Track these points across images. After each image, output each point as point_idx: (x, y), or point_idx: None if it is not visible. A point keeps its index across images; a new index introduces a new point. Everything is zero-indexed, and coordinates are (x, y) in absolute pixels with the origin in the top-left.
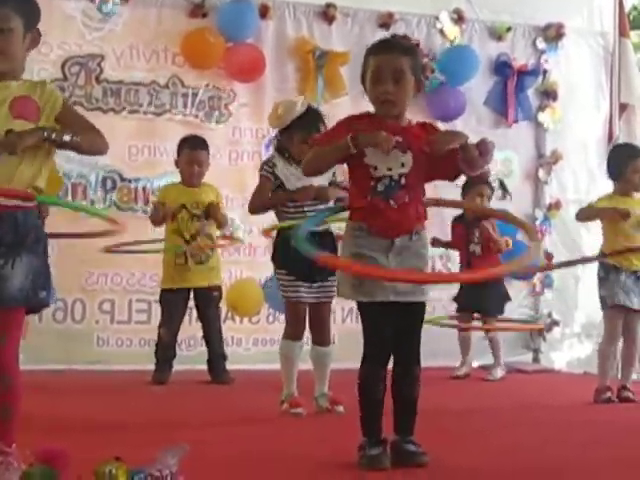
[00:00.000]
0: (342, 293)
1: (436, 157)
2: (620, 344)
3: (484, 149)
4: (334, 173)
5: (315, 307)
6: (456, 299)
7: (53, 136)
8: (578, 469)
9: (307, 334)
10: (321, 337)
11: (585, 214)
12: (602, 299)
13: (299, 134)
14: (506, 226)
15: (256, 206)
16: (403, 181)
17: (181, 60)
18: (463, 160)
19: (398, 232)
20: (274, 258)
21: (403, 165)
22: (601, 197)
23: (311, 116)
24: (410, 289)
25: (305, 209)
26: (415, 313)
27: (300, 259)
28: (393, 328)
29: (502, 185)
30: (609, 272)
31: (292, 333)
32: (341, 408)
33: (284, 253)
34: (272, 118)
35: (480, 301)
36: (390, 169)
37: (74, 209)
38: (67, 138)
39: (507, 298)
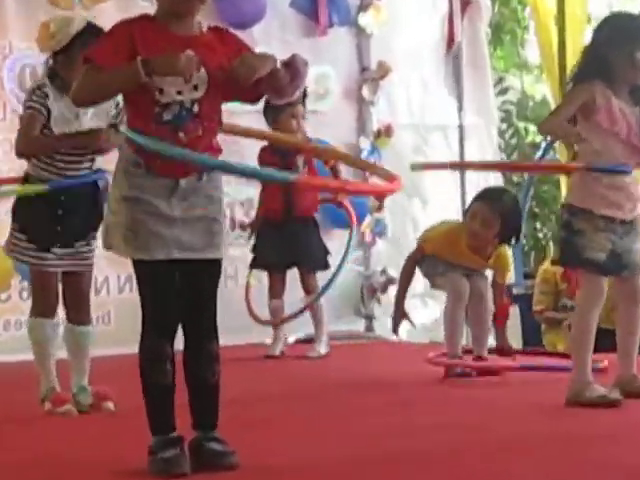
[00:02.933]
0: (111, 245)
1: (235, 81)
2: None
3: (295, 72)
4: (118, 112)
5: (68, 277)
6: (256, 253)
7: None
8: (427, 459)
9: None
10: (77, 313)
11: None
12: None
13: (81, 55)
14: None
15: (26, 148)
16: (196, 108)
17: None
18: (269, 86)
19: (186, 171)
20: (15, 215)
21: (196, 88)
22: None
23: (93, 33)
24: (201, 244)
25: (70, 164)
26: (208, 275)
27: (45, 222)
28: (181, 294)
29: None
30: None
31: (40, 308)
32: (110, 405)
33: (25, 212)
34: (43, 39)
35: (295, 253)
36: (180, 93)
37: None
38: None
39: (326, 251)
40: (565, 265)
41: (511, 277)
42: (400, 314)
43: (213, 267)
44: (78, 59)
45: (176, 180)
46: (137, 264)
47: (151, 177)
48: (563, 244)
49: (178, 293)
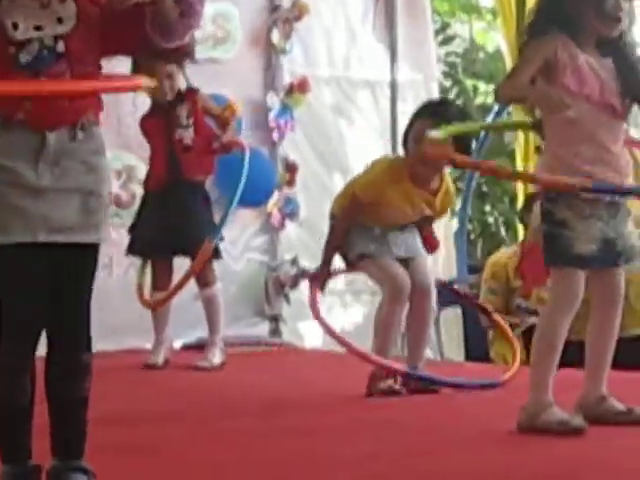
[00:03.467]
0: None
1: (112, 15)
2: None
3: (188, 5)
4: None
5: None
6: (133, 235)
7: None
8: None
9: None
10: None
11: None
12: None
13: None
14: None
15: None
16: (61, 47)
17: None
18: (155, 22)
19: (53, 122)
20: None
21: (61, 21)
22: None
23: None
24: (73, 221)
25: None
26: (82, 263)
27: None
28: (46, 288)
29: None
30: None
31: None
32: None
33: None
34: None
35: (177, 237)
36: (39, 28)
37: None
38: None
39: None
40: (553, 266)
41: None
42: (326, 272)
43: (88, 254)
44: None
45: (43, 135)
46: None
47: (11, 135)
48: (547, 240)
49: (43, 286)
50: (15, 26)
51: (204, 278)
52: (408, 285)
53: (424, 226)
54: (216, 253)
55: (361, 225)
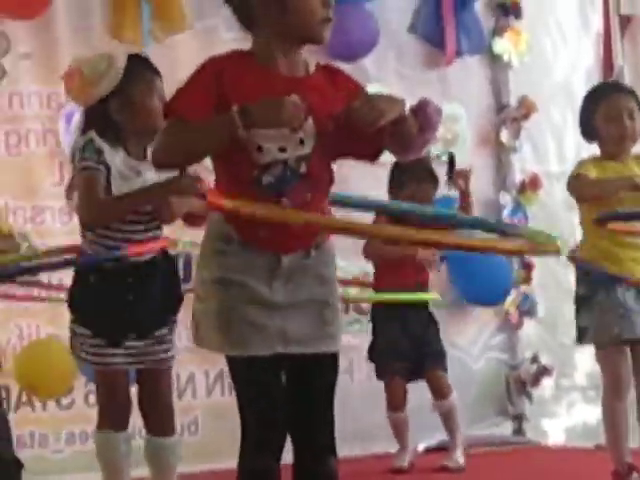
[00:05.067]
0: (202, 339)
1: (350, 128)
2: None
3: (426, 120)
4: None
5: (144, 376)
6: (370, 352)
7: None
8: None
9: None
10: (156, 422)
11: (582, 190)
12: (582, 331)
13: (140, 91)
14: None
15: (95, 217)
16: (303, 168)
17: None
18: (395, 137)
19: (290, 247)
20: (73, 307)
21: (302, 143)
22: (583, 162)
23: (140, 65)
24: (310, 335)
25: (140, 226)
26: (322, 372)
27: (110, 311)
28: (288, 398)
29: (451, 161)
30: (597, 288)
31: (109, 419)
32: None
33: (86, 301)
34: (78, 88)
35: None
36: (283, 150)
37: None
38: None
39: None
40: None
41: None
42: None
43: (328, 363)
44: (137, 98)
45: (278, 257)
46: (232, 362)
47: (247, 254)
48: None
49: (285, 397)
50: (260, 149)
51: (440, 389)
52: (626, 372)
53: None
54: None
55: None
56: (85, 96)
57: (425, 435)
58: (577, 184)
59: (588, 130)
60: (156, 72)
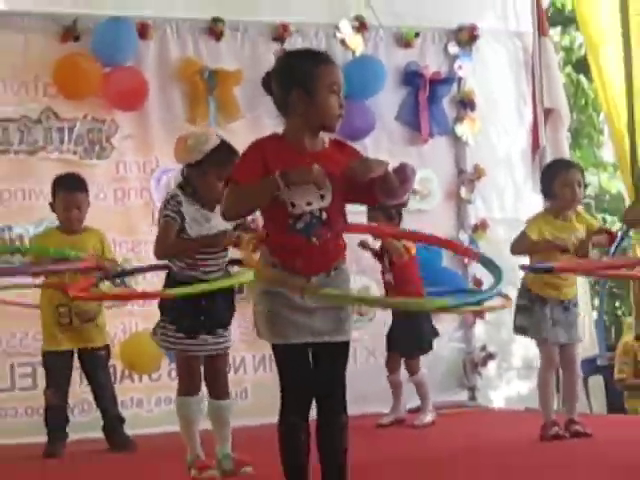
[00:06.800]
0: (260, 334)
1: (353, 183)
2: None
3: (404, 177)
4: None
5: (208, 358)
6: (388, 338)
7: None
8: None
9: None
10: (217, 390)
11: (520, 248)
12: (521, 329)
13: (214, 170)
14: (428, 251)
15: (164, 253)
16: (324, 216)
17: (54, 90)
18: (382, 190)
19: (317, 270)
20: (163, 310)
21: (323, 198)
22: (530, 221)
23: (225, 150)
24: (330, 328)
25: (208, 260)
26: (337, 354)
27: (189, 314)
28: (314, 373)
29: None
30: (534, 302)
31: (186, 388)
32: (249, 469)
33: (173, 306)
34: (180, 151)
35: (401, 341)
36: (310, 203)
37: None
38: None
39: (435, 334)
40: None
41: (595, 349)
42: None
43: (342, 348)
44: (210, 172)
45: (308, 278)
46: (276, 348)
47: (286, 274)
48: None
49: (312, 372)
50: (293, 204)
51: (412, 369)
52: (556, 356)
53: None
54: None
55: None
56: (180, 158)
57: (408, 400)
58: (518, 240)
59: (547, 191)
60: (234, 155)
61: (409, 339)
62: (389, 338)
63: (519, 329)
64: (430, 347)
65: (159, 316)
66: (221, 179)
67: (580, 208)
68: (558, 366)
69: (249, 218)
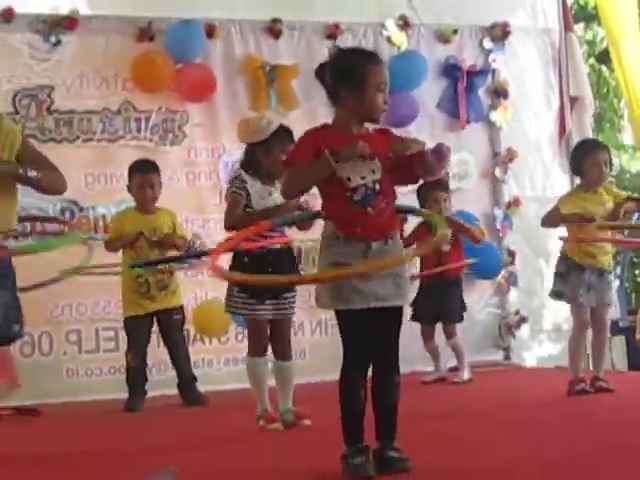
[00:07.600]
0: (322, 303)
1: (397, 163)
2: (590, 335)
3: (441, 155)
4: None
5: (274, 323)
6: (413, 307)
7: (20, 170)
8: (560, 466)
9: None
10: (281, 352)
11: (550, 221)
12: (558, 293)
13: (277, 148)
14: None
15: (232, 224)
16: (378, 187)
17: (131, 85)
18: (421, 167)
19: (375, 237)
20: (236, 268)
21: (374, 172)
22: (563, 197)
23: (285, 131)
24: (390, 293)
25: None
26: (394, 318)
27: (257, 269)
28: (372, 334)
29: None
30: (571, 269)
31: (255, 349)
32: (308, 422)
33: (245, 263)
34: (243, 132)
35: (439, 309)
36: (364, 177)
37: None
38: (32, 174)
39: (463, 307)
40: None
41: (617, 312)
42: None
43: (398, 312)
44: (274, 150)
45: (369, 244)
46: (341, 314)
47: (349, 244)
48: None
49: (370, 332)
50: (349, 179)
51: (450, 332)
52: (587, 321)
53: None
54: (461, 319)
55: None
56: (244, 138)
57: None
58: (549, 213)
59: (577, 169)
60: (291, 135)
61: (449, 306)
62: (418, 307)
63: (556, 294)
64: (462, 318)
65: (226, 289)
66: (285, 154)
67: (608, 183)
68: (589, 328)
69: (302, 198)
